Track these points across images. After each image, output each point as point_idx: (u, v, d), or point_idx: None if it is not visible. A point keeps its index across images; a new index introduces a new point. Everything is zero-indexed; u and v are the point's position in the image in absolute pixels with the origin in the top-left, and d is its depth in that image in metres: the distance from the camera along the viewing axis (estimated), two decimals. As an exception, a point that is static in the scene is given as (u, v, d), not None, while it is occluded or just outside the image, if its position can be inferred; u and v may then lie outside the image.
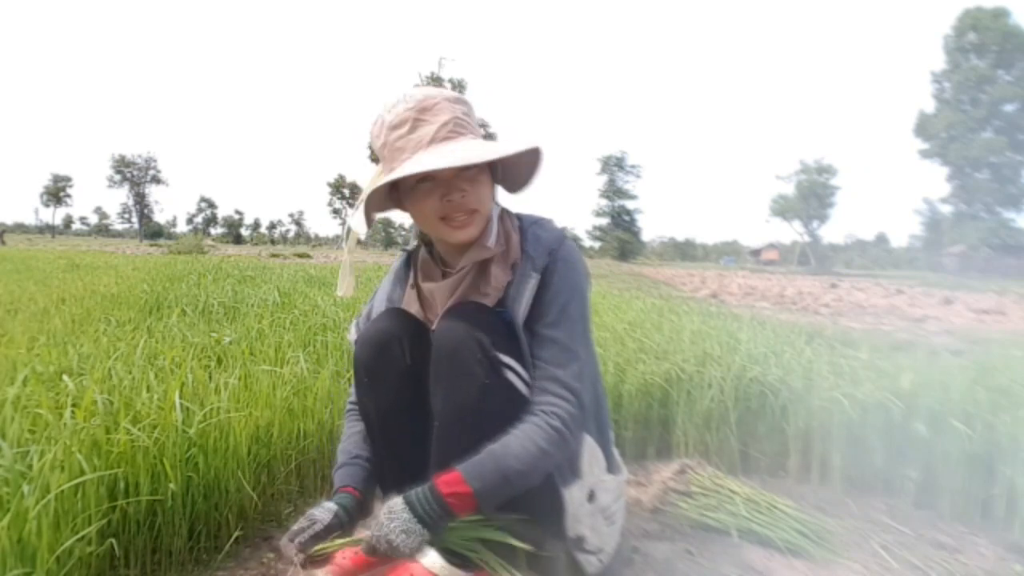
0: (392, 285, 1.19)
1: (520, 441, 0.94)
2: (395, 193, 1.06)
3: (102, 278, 5.12)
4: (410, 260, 1.19)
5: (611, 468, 1.11)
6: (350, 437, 1.15)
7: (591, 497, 1.05)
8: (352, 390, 1.20)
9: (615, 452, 1.16)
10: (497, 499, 0.94)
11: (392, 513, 0.90)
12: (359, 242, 1.10)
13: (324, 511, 1.00)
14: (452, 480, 0.91)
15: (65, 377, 1.39)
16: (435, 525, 0.90)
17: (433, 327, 1.07)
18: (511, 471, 0.92)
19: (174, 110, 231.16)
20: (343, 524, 1.01)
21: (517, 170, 1.08)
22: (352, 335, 1.17)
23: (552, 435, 0.95)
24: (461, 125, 0.99)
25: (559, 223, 1.12)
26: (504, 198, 1.12)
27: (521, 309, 1.00)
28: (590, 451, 1.05)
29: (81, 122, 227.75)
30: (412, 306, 1.13)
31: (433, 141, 0.97)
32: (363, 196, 1.00)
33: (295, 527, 0.97)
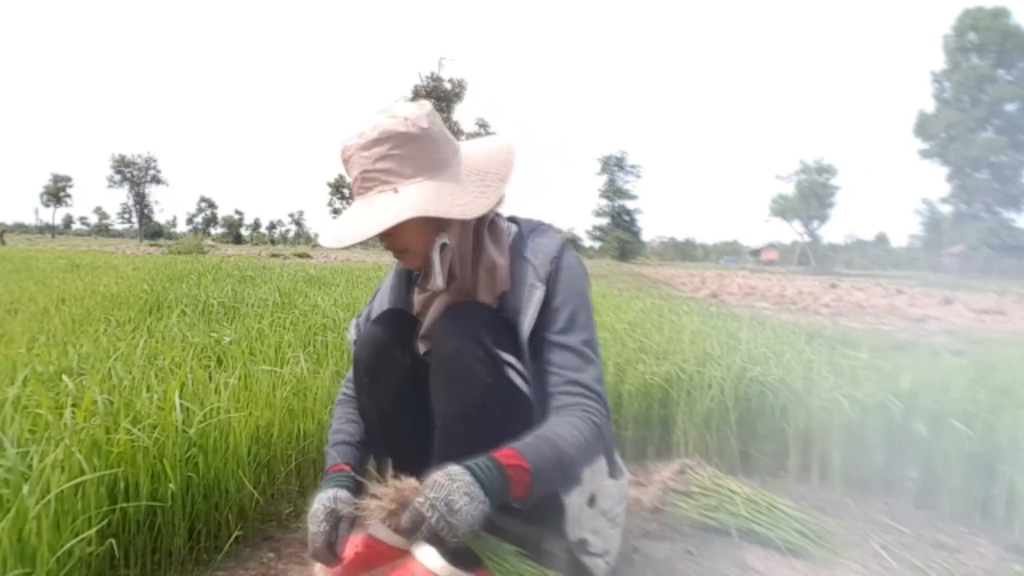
0: (395, 284, 1.19)
1: (569, 430, 0.93)
2: None
3: (102, 278, 5.12)
4: None
5: (613, 473, 1.10)
6: (341, 418, 1.16)
7: (591, 502, 1.04)
8: (347, 381, 1.22)
9: (617, 456, 1.16)
10: (547, 484, 0.89)
11: (452, 475, 0.80)
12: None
13: (325, 499, 0.97)
14: (510, 455, 0.85)
15: (65, 377, 1.39)
16: (496, 495, 0.81)
17: (422, 330, 1.08)
18: (565, 456, 0.90)
19: (174, 110, 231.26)
20: (348, 504, 0.98)
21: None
22: (352, 335, 1.17)
23: (595, 430, 0.95)
24: (369, 179, 0.95)
25: (559, 227, 1.11)
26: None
27: (527, 320, 0.99)
28: None
29: (81, 122, 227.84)
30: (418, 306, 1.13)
31: (355, 193, 0.99)
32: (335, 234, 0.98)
33: (315, 544, 0.95)
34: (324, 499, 0.98)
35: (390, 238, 0.99)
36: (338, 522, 0.97)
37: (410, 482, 0.82)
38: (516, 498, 0.84)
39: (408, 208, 0.91)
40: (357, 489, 1.01)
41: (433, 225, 0.99)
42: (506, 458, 0.84)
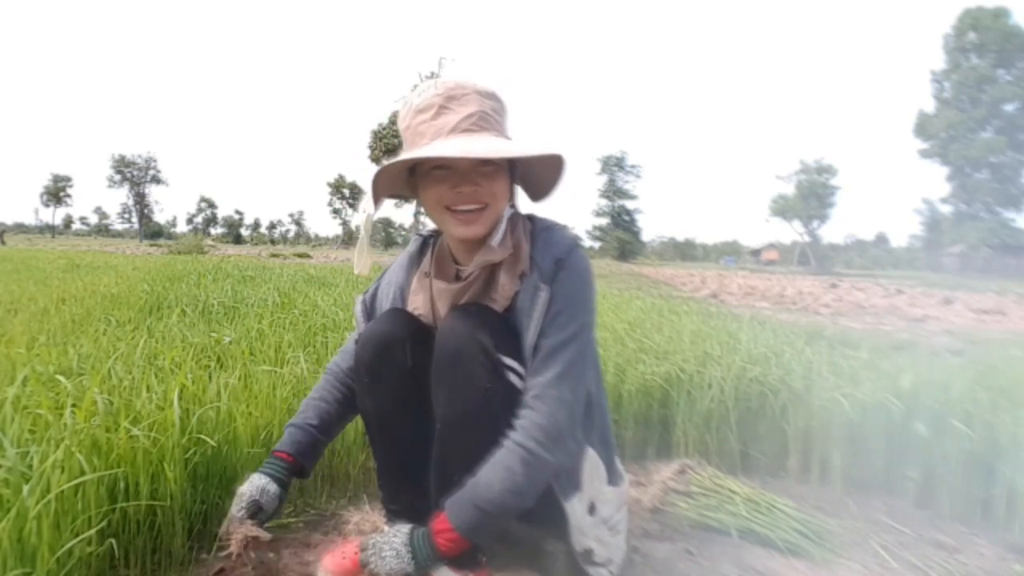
0: (402, 269, 1.17)
1: (491, 469, 0.93)
2: (411, 179, 1.04)
3: (102, 278, 5.12)
4: (425, 245, 1.17)
5: (612, 479, 1.09)
6: (316, 393, 1.18)
7: (592, 510, 1.04)
8: (342, 351, 1.22)
9: (617, 462, 1.15)
10: (487, 530, 0.94)
11: (396, 533, 0.95)
12: (372, 223, 1.07)
13: (253, 489, 1.02)
14: (441, 519, 0.94)
15: (61, 378, 1.38)
16: (424, 561, 0.93)
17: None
18: (484, 501, 0.92)
19: (174, 110, 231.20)
20: (273, 499, 1.04)
21: (539, 177, 1.06)
22: (357, 308, 1.18)
23: (519, 452, 0.93)
24: (486, 120, 0.97)
25: (571, 229, 1.08)
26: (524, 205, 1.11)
27: (533, 323, 0.97)
28: (591, 463, 1.04)
29: (81, 122, 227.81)
30: (420, 295, 1.11)
31: (455, 130, 0.95)
32: (376, 173, 0.96)
33: (230, 523, 1.00)
34: (252, 488, 1.03)
35: (481, 184, 0.97)
36: (257, 513, 1.01)
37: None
38: (453, 556, 0.94)
39: (558, 150, 0.96)
40: (288, 480, 1.08)
41: (507, 193, 1.03)
42: (438, 524, 0.93)
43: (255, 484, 1.03)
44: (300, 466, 1.10)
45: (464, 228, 0.99)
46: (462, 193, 0.97)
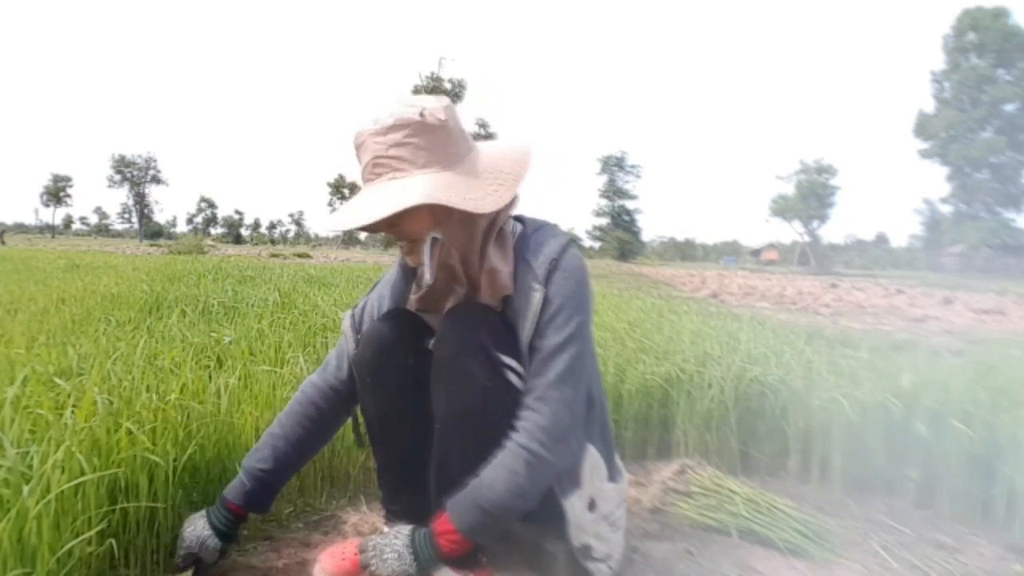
0: (397, 279, 1.17)
1: (493, 470, 0.93)
2: None
3: (102, 278, 5.11)
4: None
5: (612, 476, 1.10)
6: (275, 428, 1.15)
7: (592, 506, 1.04)
8: (322, 367, 1.20)
9: (617, 459, 1.15)
10: (489, 530, 0.95)
11: (397, 535, 0.97)
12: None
13: (194, 540, 1.05)
14: (443, 520, 0.94)
15: (59, 380, 1.38)
16: (426, 562, 0.94)
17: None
18: (487, 502, 0.92)
19: (174, 110, 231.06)
20: (212, 553, 1.05)
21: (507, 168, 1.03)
22: (346, 323, 1.16)
23: (522, 454, 0.93)
24: (380, 165, 0.94)
25: (564, 228, 1.07)
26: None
27: (528, 323, 0.96)
28: (592, 461, 1.03)
29: (81, 122, 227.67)
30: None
31: (363, 180, 0.97)
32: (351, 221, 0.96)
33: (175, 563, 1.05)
34: (193, 540, 1.05)
35: (396, 229, 0.98)
36: (196, 562, 1.04)
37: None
38: (455, 557, 0.95)
39: (417, 195, 0.89)
40: (233, 530, 1.09)
41: (436, 219, 0.97)
42: (440, 526, 0.94)
43: (197, 534, 1.05)
44: (247, 516, 1.11)
45: (408, 259, 1.04)
46: (390, 232, 1.00)
